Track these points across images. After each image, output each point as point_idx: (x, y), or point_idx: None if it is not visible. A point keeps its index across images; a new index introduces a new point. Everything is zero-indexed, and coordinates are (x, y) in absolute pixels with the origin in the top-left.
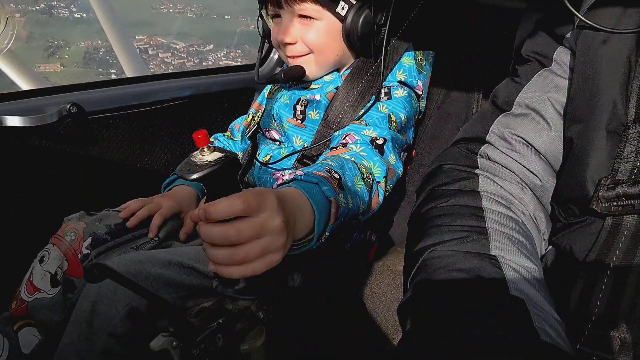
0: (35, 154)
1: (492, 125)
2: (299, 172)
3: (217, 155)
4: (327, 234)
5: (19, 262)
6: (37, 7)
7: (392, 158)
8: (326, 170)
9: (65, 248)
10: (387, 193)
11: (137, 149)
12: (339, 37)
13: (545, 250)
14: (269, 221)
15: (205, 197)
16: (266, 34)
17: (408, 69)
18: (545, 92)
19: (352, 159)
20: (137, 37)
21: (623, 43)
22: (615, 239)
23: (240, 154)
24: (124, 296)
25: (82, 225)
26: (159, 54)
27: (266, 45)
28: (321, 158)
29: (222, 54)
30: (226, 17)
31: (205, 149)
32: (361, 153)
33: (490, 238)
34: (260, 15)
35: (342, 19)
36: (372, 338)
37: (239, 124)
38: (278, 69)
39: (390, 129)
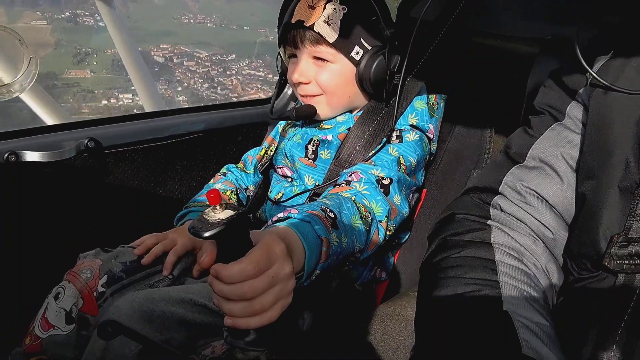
0: (52, 188)
1: (505, 177)
2: (293, 211)
3: (228, 213)
4: (317, 272)
5: (32, 296)
6: (63, 16)
7: (397, 199)
8: (321, 209)
9: (81, 285)
10: (390, 232)
11: (152, 182)
12: (352, 80)
13: (558, 301)
14: (280, 271)
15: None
16: (284, 71)
17: (420, 113)
18: (558, 147)
19: (352, 198)
20: (161, 46)
21: (635, 102)
22: (627, 298)
23: (252, 187)
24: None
25: (98, 262)
26: (184, 62)
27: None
28: (323, 195)
29: (245, 64)
30: (245, 28)
31: (218, 207)
32: (363, 192)
33: (502, 294)
34: (279, 53)
35: (356, 64)
36: None
37: (252, 156)
38: (292, 104)
39: (399, 171)
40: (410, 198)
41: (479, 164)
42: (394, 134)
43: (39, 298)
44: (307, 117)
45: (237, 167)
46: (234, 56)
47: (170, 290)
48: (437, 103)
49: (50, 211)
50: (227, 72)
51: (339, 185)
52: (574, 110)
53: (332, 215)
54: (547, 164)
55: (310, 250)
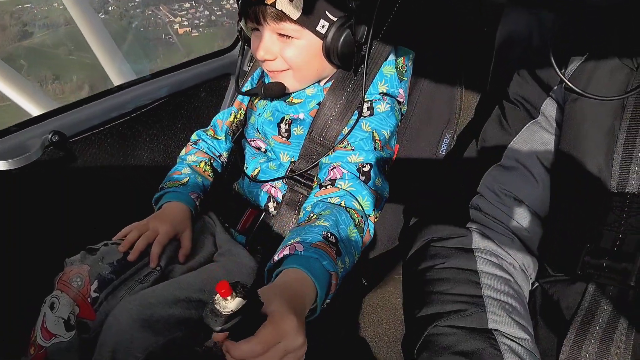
0: (25, 193)
1: (484, 178)
2: (298, 246)
3: (239, 302)
4: (327, 301)
5: (22, 304)
6: None
7: (378, 181)
8: (323, 237)
9: (74, 294)
10: (376, 220)
11: (123, 160)
12: (319, 54)
13: (534, 297)
14: (291, 344)
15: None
16: (247, 39)
17: (389, 79)
18: (533, 148)
19: (342, 203)
20: None
21: (609, 106)
22: (598, 307)
23: (225, 154)
24: (141, 343)
25: (86, 268)
26: None
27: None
28: (311, 196)
29: None
30: None
31: (229, 297)
32: (349, 189)
33: (487, 310)
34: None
35: (322, 37)
36: None
37: (221, 121)
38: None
39: (375, 148)
40: (387, 168)
41: (451, 125)
42: (365, 105)
43: (31, 304)
44: (277, 95)
45: (207, 133)
46: None
47: (164, 290)
48: (406, 65)
49: (28, 215)
50: None
51: (325, 187)
52: (549, 108)
53: (333, 240)
54: (523, 165)
55: (321, 288)
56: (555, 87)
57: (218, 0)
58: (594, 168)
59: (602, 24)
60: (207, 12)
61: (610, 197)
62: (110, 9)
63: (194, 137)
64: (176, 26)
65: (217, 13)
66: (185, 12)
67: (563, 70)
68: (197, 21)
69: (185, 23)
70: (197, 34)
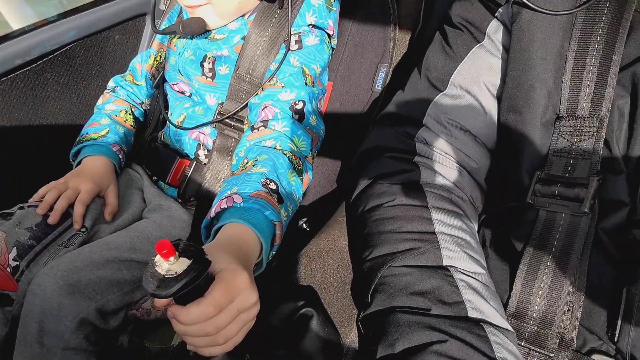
0: None
1: (429, 108)
2: (236, 197)
3: (184, 262)
4: (272, 253)
5: None
6: None
7: (312, 119)
8: (262, 185)
9: None
10: (314, 160)
11: (33, 113)
12: None
13: (485, 230)
14: (244, 303)
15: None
16: None
17: (318, 9)
18: (479, 75)
19: (278, 145)
20: None
21: (558, 26)
22: (550, 235)
23: (147, 101)
24: (70, 310)
25: (1, 235)
26: None
27: None
28: (243, 140)
29: None
30: None
31: (172, 258)
32: (283, 130)
33: (441, 247)
34: None
35: None
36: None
37: (140, 65)
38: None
39: (305, 84)
40: (320, 105)
41: (385, 57)
42: (293, 38)
43: None
44: (196, 32)
45: (125, 79)
46: None
47: (91, 252)
48: None
49: None
50: None
51: (257, 129)
52: (495, 31)
53: (273, 187)
54: (470, 92)
55: (266, 241)
56: (501, 7)
57: None
58: (543, 92)
59: None
60: None
61: (561, 122)
62: None
63: (111, 83)
64: None
65: None
66: None
67: None
68: None
69: None
70: None
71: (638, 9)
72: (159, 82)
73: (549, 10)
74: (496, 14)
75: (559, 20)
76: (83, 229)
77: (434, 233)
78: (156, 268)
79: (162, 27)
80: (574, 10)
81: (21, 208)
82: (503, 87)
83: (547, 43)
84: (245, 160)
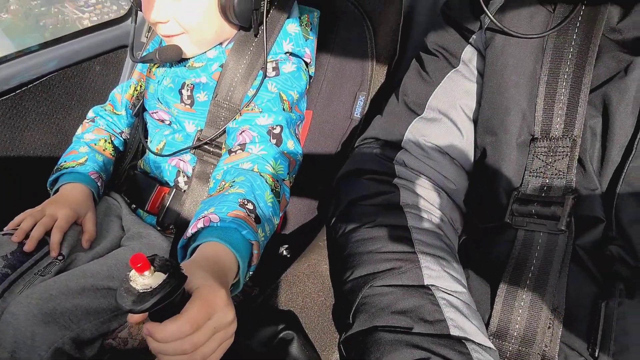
0: None
1: (407, 131)
2: (213, 217)
3: (159, 277)
4: (250, 273)
5: None
6: None
7: (290, 144)
8: (240, 205)
9: None
10: (291, 184)
11: (10, 142)
12: (215, 13)
13: (460, 240)
14: (221, 321)
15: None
16: (138, 3)
17: (294, 38)
18: (455, 98)
19: (256, 168)
20: None
21: (530, 51)
22: (529, 254)
23: (127, 130)
24: (44, 339)
25: None
26: None
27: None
28: (220, 163)
29: None
30: None
31: (147, 272)
32: (261, 153)
33: (422, 266)
34: None
35: None
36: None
37: (120, 95)
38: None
39: (283, 109)
40: (298, 132)
41: (364, 86)
42: (270, 65)
43: None
44: (173, 59)
45: (105, 109)
46: None
47: (67, 281)
48: (311, 23)
49: None
50: None
51: (235, 152)
52: (469, 56)
53: (250, 207)
54: (446, 116)
55: (243, 261)
56: (475, 35)
57: None
58: (517, 114)
59: None
60: (115, 7)
61: (535, 143)
62: (12, 7)
63: (90, 114)
64: (85, 21)
65: (125, 7)
66: (92, 7)
67: (486, 9)
68: (107, 16)
69: (95, 18)
70: None
71: (605, 33)
72: (138, 111)
73: (521, 34)
74: (470, 40)
75: (531, 44)
76: (60, 257)
77: (414, 252)
78: (130, 283)
79: (142, 56)
80: (544, 34)
81: None
82: (479, 110)
83: (520, 67)
84: (223, 183)
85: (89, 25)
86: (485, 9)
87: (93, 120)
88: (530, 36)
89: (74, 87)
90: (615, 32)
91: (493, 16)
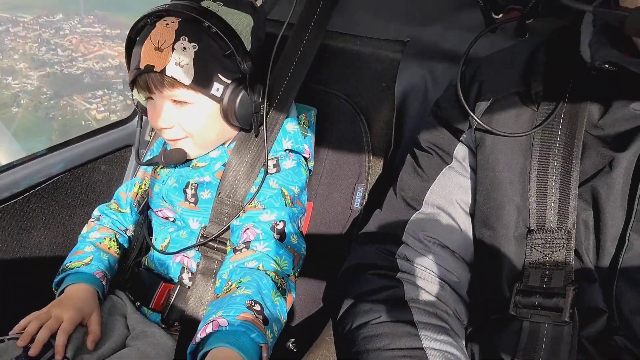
0: None
1: (407, 226)
2: (221, 321)
3: None
4: None
5: None
6: None
7: (294, 238)
8: (247, 307)
9: None
10: (296, 279)
11: (18, 245)
12: (217, 118)
13: (471, 344)
14: None
15: None
16: (143, 109)
17: (293, 136)
18: (451, 193)
19: (260, 266)
20: None
21: (519, 148)
22: (536, 346)
23: (131, 227)
24: None
25: None
26: (9, 29)
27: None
28: (226, 262)
29: (76, 22)
30: None
31: None
32: (266, 250)
33: None
34: (133, 94)
35: (218, 100)
36: None
37: (125, 193)
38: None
39: (285, 204)
40: (301, 224)
41: (362, 178)
42: (271, 162)
43: None
44: (177, 162)
45: (110, 207)
46: (61, 15)
47: None
48: (308, 122)
49: None
50: (61, 33)
51: (240, 251)
52: (461, 153)
53: (258, 308)
54: (444, 210)
55: None
56: (465, 132)
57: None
58: (512, 208)
59: (503, 70)
60: (121, 97)
61: (532, 235)
62: (22, 102)
63: (95, 212)
64: (93, 112)
65: (131, 97)
66: (99, 99)
67: (472, 112)
68: (114, 106)
69: (102, 109)
70: (116, 117)
71: (587, 129)
72: (143, 209)
73: (508, 133)
74: (461, 138)
75: (519, 141)
76: None
77: (422, 349)
78: None
79: (147, 157)
80: (530, 132)
81: (1, 341)
82: (474, 204)
83: (511, 163)
84: (229, 283)
85: (97, 115)
86: (472, 115)
87: (98, 219)
88: (518, 135)
89: (80, 187)
90: (597, 128)
91: (480, 117)
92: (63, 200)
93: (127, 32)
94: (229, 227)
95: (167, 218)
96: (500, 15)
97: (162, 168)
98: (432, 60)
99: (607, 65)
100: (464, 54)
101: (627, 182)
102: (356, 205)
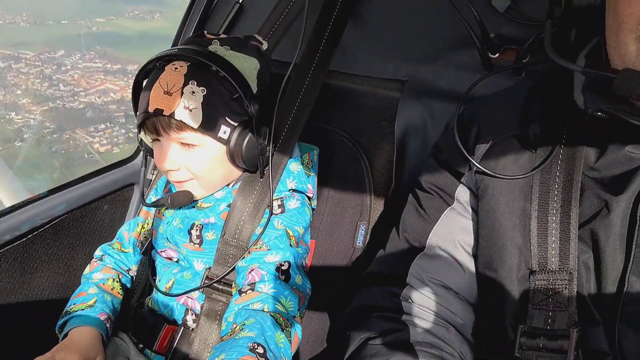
0: None
1: (411, 268)
2: None
3: None
4: None
5: None
6: None
7: (298, 279)
8: (250, 350)
9: None
10: (302, 320)
11: (21, 287)
12: (224, 160)
13: None
14: None
15: None
16: (148, 150)
17: (297, 176)
18: (453, 235)
19: (266, 308)
20: None
21: (519, 190)
22: None
23: (134, 267)
24: None
25: None
26: (12, 65)
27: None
28: (231, 304)
29: (78, 57)
30: (62, 22)
31: None
32: (271, 291)
33: None
34: (141, 136)
35: (225, 143)
36: None
37: (127, 232)
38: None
39: (290, 245)
40: (305, 265)
41: (364, 216)
42: (275, 203)
43: None
44: (184, 204)
45: (113, 247)
46: (62, 52)
47: None
48: (312, 161)
49: None
50: (63, 69)
51: (245, 293)
52: (462, 195)
53: (261, 350)
54: (447, 252)
55: None
56: (465, 174)
57: (131, 118)
58: (514, 250)
59: (501, 112)
60: (123, 130)
61: (534, 276)
62: (25, 136)
63: (98, 252)
64: (96, 145)
65: (134, 130)
66: (102, 132)
67: (471, 156)
68: (116, 139)
69: (105, 142)
70: (119, 150)
71: (585, 172)
72: (146, 249)
73: (508, 176)
74: (462, 180)
75: (519, 183)
76: None
77: None
78: None
79: (150, 196)
80: (529, 174)
81: None
82: (477, 245)
83: (511, 205)
84: (234, 325)
85: (100, 148)
86: (471, 159)
87: (101, 259)
88: (517, 177)
89: (83, 227)
90: (593, 170)
91: (480, 160)
92: (65, 241)
93: (128, 67)
94: (234, 269)
95: (171, 259)
96: (497, 55)
97: (166, 208)
98: (430, 99)
99: (599, 113)
100: (462, 98)
101: (625, 225)
102: (359, 243)
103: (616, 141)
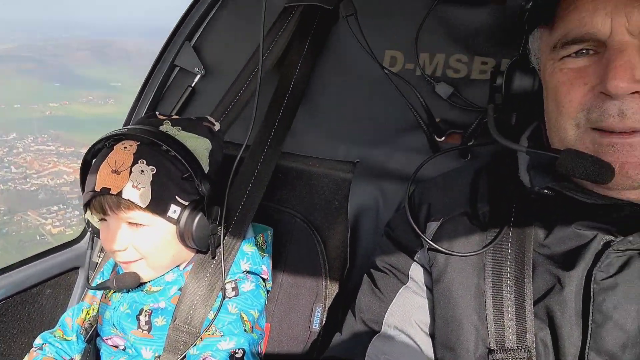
0: None
1: (369, 349)
2: None
3: None
4: None
5: None
6: None
7: None
8: None
9: None
10: None
11: None
12: (173, 239)
13: None
14: None
15: None
16: (95, 230)
17: (251, 257)
18: (409, 314)
19: None
20: None
21: (472, 267)
22: None
23: (77, 356)
24: None
25: None
26: None
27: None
28: None
29: (30, 141)
30: (15, 105)
31: None
32: None
33: None
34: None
35: (175, 222)
36: None
37: (70, 319)
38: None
39: (245, 330)
40: (260, 350)
41: (319, 297)
42: (229, 285)
43: None
44: (130, 286)
45: (55, 335)
46: (14, 135)
47: None
48: (265, 242)
49: None
50: (15, 151)
51: None
52: (417, 273)
53: None
54: (404, 332)
55: None
56: (418, 252)
57: None
58: (470, 328)
59: (450, 192)
60: (77, 212)
61: (493, 355)
62: None
63: (38, 341)
64: (48, 227)
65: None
66: (54, 214)
67: (424, 232)
68: (69, 221)
69: (57, 223)
70: (71, 231)
71: (535, 249)
72: (91, 336)
73: (460, 253)
74: (415, 258)
75: (472, 260)
76: None
77: None
78: None
79: (96, 280)
80: (480, 251)
81: None
82: (434, 324)
83: (465, 283)
84: None
85: (52, 230)
86: (423, 237)
87: (41, 348)
88: (468, 254)
89: (22, 313)
90: (544, 247)
91: (432, 237)
92: (3, 328)
93: (82, 150)
94: (185, 357)
95: (117, 347)
96: (443, 138)
97: (113, 293)
98: (381, 180)
99: (545, 191)
100: (410, 179)
101: (579, 301)
102: (315, 326)
103: (563, 218)
